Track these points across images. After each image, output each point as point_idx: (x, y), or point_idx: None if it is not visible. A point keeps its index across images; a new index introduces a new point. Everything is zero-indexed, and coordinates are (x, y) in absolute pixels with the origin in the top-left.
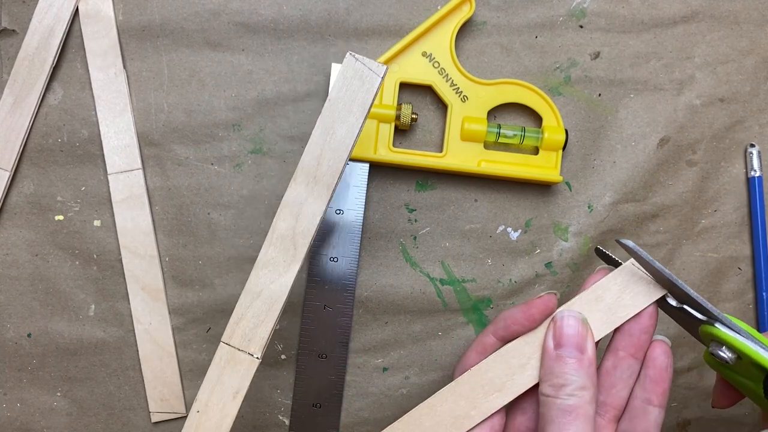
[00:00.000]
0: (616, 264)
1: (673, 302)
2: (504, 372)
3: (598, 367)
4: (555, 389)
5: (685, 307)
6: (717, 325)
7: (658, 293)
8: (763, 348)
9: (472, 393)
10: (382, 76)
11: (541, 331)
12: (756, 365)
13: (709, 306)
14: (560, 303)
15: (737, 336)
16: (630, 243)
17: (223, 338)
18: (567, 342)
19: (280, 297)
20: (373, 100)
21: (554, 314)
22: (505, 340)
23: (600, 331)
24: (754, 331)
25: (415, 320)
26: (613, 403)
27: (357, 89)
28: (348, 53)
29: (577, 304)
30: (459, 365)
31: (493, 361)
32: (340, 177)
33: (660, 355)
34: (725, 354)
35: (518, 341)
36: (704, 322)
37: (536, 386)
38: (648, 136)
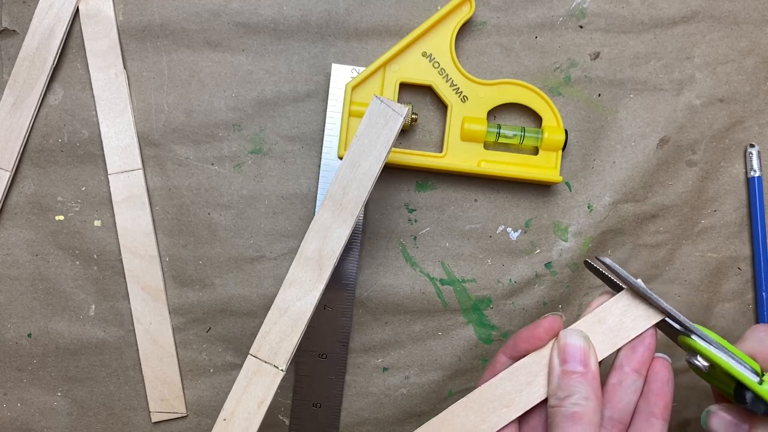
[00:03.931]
0: (599, 274)
1: None
2: (512, 388)
3: (604, 384)
4: (560, 400)
5: (666, 318)
6: (693, 336)
7: (657, 317)
8: (733, 359)
9: (481, 408)
10: (403, 115)
11: (546, 350)
12: (727, 374)
13: (682, 318)
14: (563, 314)
15: (710, 347)
16: (607, 260)
17: (251, 351)
18: (571, 358)
19: (305, 314)
20: (396, 137)
21: (559, 334)
22: (515, 359)
23: (602, 351)
24: (725, 342)
25: (415, 320)
26: (620, 419)
27: (381, 127)
28: (374, 96)
29: (581, 326)
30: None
31: (502, 379)
32: (363, 205)
33: (662, 369)
34: (700, 362)
35: (525, 360)
36: (682, 333)
37: (545, 403)
38: (648, 136)
